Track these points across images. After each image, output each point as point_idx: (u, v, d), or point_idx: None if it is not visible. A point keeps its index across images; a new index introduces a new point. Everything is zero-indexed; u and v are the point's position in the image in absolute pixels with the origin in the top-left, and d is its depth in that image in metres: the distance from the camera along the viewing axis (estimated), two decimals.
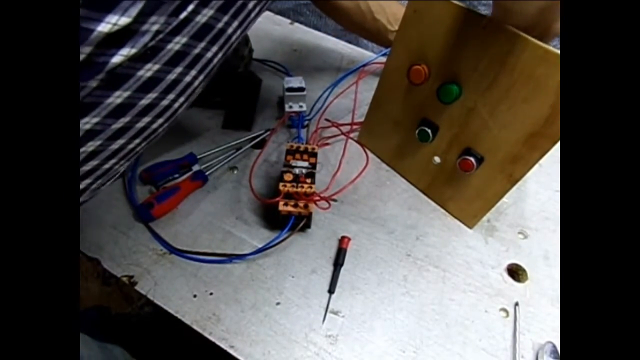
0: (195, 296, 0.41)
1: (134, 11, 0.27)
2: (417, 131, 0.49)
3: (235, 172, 0.53)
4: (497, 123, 0.42)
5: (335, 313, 0.41)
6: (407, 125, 0.51)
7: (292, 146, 0.47)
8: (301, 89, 0.58)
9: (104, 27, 0.26)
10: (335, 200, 0.50)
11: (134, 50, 0.28)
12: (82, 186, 0.34)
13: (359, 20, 0.62)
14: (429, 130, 0.47)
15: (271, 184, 0.52)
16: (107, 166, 0.34)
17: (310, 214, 0.44)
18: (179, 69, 0.33)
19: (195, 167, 0.52)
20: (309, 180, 0.43)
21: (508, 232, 0.50)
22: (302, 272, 0.44)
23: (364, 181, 0.53)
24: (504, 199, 0.47)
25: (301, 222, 0.44)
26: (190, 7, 0.30)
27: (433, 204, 0.52)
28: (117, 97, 0.30)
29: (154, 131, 0.36)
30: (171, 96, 0.34)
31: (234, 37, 0.36)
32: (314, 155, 0.46)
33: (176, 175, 0.51)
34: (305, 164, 0.45)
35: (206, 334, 0.38)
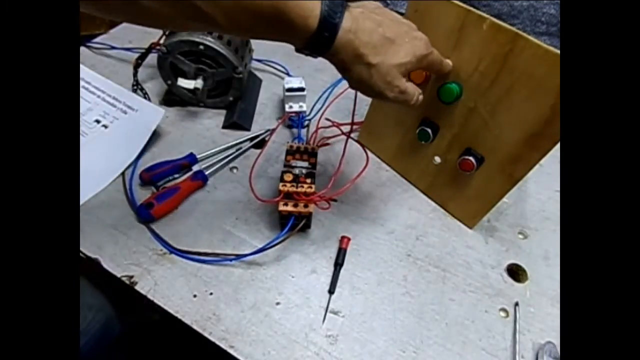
0: (195, 296, 0.41)
1: None
2: (417, 131, 0.49)
3: (235, 172, 0.53)
4: (497, 123, 0.42)
5: (335, 313, 0.41)
6: (407, 125, 0.51)
7: (292, 146, 0.47)
8: (301, 89, 0.58)
9: None
10: (335, 200, 0.50)
11: None
12: None
13: None
14: (429, 130, 0.47)
15: (271, 184, 0.52)
16: None
17: (310, 214, 0.44)
18: None
19: (195, 167, 0.52)
20: (309, 180, 0.43)
21: (508, 232, 0.50)
22: (302, 272, 0.44)
23: (364, 181, 0.53)
24: (504, 199, 0.47)
25: (301, 222, 0.44)
26: None
27: (433, 204, 0.52)
28: None
29: None
30: None
31: None
32: (314, 155, 0.46)
33: (176, 175, 0.51)
34: (305, 164, 0.45)
35: (206, 334, 0.38)
